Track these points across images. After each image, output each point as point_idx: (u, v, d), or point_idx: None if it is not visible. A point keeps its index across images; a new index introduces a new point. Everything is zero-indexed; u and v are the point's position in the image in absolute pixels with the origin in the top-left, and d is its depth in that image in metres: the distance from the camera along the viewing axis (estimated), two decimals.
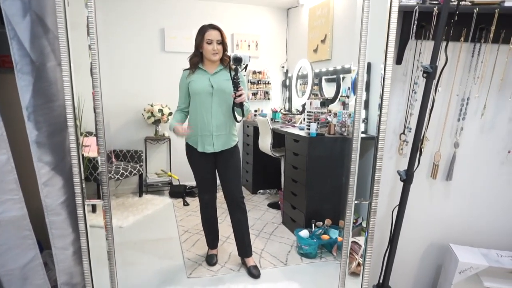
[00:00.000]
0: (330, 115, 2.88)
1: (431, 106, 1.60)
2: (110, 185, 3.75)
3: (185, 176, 3.83)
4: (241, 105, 2.06)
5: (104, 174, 1.49)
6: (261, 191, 4.12)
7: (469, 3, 1.60)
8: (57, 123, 1.48)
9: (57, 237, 1.54)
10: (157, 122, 4.01)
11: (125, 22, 3.92)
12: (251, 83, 4.51)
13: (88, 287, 1.57)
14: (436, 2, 1.60)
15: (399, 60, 1.71)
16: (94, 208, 2.49)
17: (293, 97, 4.32)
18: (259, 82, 4.54)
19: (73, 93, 1.36)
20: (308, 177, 2.74)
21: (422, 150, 1.67)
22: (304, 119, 3.23)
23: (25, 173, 1.49)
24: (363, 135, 2.55)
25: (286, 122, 3.85)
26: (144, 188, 4.05)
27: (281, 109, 4.48)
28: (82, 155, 1.55)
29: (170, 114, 3.98)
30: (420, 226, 1.95)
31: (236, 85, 2.00)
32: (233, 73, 2.03)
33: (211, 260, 2.41)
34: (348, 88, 3.11)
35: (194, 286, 2.15)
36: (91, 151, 2.98)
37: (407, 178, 1.60)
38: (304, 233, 2.60)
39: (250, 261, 2.33)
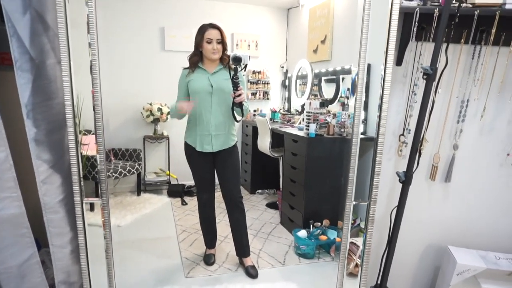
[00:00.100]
0: (329, 116, 2.88)
1: (430, 107, 1.59)
2: (109, 183, 3.75)
3: (184, 175, 3.82)
4: (240, 104, 2.06)
5: (102, 173, 1.49)
6: (260, 191, 4.12)
7: (470, 5, 1.60)
8: (56, 121, 1.48)
9: (55, 235, 1.53)
10: (156, 121, 4.00)
11: (125, 20, 3.91)
12: (251, 83, 4.50)
13: (86, 285, 1.56)
14: (437, 3, 1.60)
15: (399, 61, 1.71)
16: (92, 207, 2.49)
17: (292, 97, 4.32)
18: (259, 82, 4.54)
19: (73, 91, 1.35)
20: (306, 177, 2.74)
21: (421, 151, 1.67)
22: (303, 119, 3.24)
23: (24, 171, 1.48)
24: (362, 136, 2.55)
25: (285, 122, 3.84)
26: (142, 187, 4.04)
27: (280, 109, 4.47)
28: (81, 153, 1.54)
29: (169, 113, 3.97)
30: (419, 228, 1.95)
31: (235, 84, 2.00)
32: (232, 72, 2.02)
33: (208, 260, 2.41)
34: (348, 89, 3.11)
35: (192, 286, 2.14)
36: (89, 150, 2.97)
37: (406, 179, 1.60)
38: (302, 233, 2.60)
39: (248, 261, 2.33)
